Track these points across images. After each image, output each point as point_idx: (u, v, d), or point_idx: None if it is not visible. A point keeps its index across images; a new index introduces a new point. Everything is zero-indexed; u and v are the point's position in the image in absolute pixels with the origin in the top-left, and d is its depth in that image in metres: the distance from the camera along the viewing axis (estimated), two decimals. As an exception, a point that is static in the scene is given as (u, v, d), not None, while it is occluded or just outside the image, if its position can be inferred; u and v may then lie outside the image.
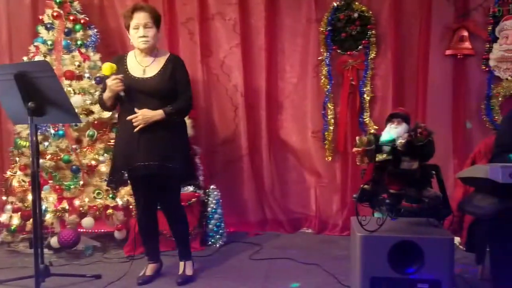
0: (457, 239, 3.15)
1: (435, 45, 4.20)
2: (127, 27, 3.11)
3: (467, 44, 4.13)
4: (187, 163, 3.17)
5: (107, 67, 2.96)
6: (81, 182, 3.86)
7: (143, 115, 2.96)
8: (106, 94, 3.03)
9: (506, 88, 4.06)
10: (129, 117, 2.97)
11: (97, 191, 3.86)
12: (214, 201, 4.12)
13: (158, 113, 2.98)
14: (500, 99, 4.07)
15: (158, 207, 3.29)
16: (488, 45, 4.10)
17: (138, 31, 3.04)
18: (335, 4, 4.30)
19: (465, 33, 4.11)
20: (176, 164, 3.04)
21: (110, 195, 3.88)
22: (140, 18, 3.03)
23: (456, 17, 4.15)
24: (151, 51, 3.12)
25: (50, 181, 3.86)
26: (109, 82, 2.97)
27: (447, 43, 4.18)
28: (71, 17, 4.05)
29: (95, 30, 4.24)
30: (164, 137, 3.04)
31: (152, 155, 3.00)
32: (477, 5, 4.12)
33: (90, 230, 3.88)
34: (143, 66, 3.11)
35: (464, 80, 4.18)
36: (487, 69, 4.12)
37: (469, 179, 2.70)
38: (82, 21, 4.10)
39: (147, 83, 3.05)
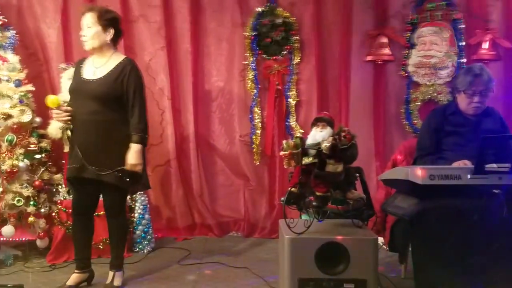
0: (380, 239, 3.22)
1: (355, 51, 4.35)
2: None
3: (386, 50, 4.29)
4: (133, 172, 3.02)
5: (52, 101, 2.95)
6: (0, 189, 3.65)
7: (131, 165, 2.94)
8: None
9: (424, 92, 4.24)
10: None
11: (17, 198, 3.68)
12: (141, 207, 4.04)
13: (136, 150, 2.95)
14: (418, 103, 4.25)
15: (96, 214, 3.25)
16: (406, 51, 4.28)
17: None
18: (259, 10, 4.34)
19: (385, 40, 4.28)
20: (121, 172, 2.96)
21: (31, 202, 3.70)
22: (83, 19, 3.04)
23: (375, 24, 4.31)
24: (99, 51, 3.06)
25: (-33, 189, 3.63)
26: (53, 114, 3.03)
27: (367, 49, 4.33)
28: (-12, 18, 3.83)
29: (14, 31, 4.01)
30: (108, 144, 2.96)
31: (93, 160, 2.94)
32: (395, 12, 4.30)
33: (10, 239, 3.71)
34: (94, 68, 3.05)
35: (384, 85, 4.35)
36: (405, 74, 4.30)
37: (390, 181, 2.81)
38: (-1, 22, 3.88)
39: (90, 85, 2.98)
